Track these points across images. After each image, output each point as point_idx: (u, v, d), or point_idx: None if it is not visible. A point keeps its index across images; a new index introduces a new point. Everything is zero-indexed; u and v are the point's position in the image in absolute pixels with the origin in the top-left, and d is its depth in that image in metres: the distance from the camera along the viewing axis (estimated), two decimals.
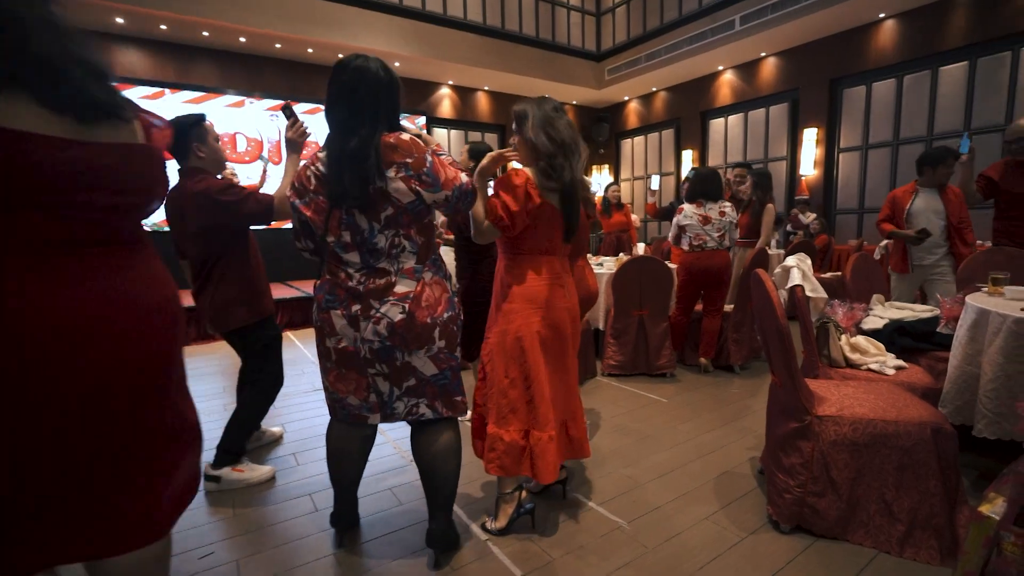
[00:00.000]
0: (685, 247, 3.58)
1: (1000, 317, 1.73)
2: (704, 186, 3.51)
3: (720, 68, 9.05)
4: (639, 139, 10.97)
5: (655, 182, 5.52)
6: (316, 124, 7.76)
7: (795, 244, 6.07)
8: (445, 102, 9.58)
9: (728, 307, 3.67)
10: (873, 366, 2.02)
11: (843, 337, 2.14)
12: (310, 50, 7.67)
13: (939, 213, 3.39)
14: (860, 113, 7.53)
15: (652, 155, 10.70)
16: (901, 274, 3.55)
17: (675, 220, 3.67)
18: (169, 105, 7.02)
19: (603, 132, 11.21)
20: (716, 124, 9.46)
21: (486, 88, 9.98)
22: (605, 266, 4.09)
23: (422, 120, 9.08)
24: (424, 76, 9.07)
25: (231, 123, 7.39)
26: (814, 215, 7.58)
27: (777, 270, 2.18)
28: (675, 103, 10.03)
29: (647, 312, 3.45)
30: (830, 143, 7.88)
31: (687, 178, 4.35)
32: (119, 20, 6.47)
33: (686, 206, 3.59)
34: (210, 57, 7.39)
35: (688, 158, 9.78)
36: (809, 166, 7.99)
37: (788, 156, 8.40)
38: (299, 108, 7.75)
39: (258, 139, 7.61)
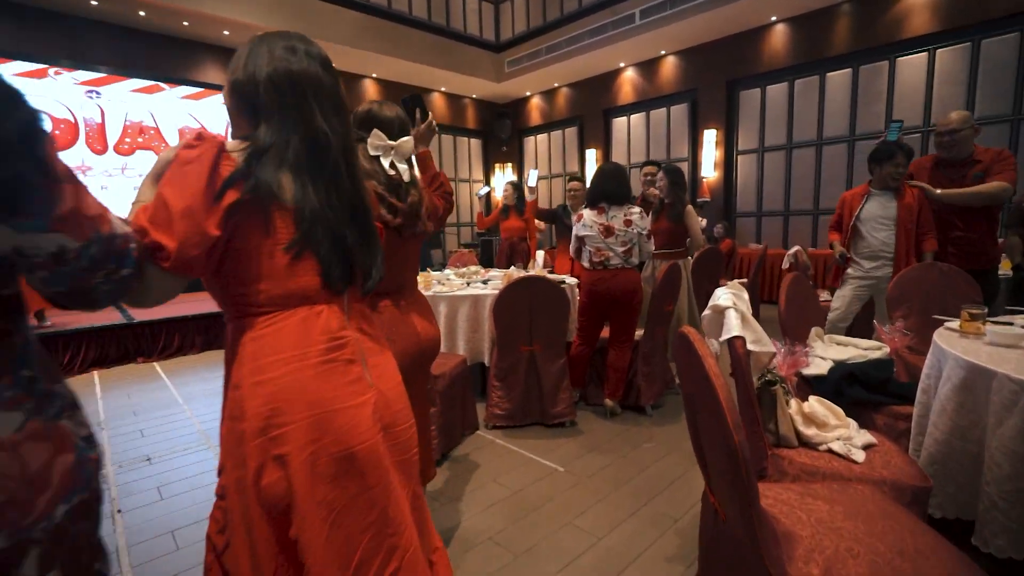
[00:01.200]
0: (586, 263, 2.95)
1: (1015, 385, 1.18)
2: (606, 186, 2.88)
3: (622, 65, 8.73)
4: (542, 137, 10.47)
5: (533, 178, 4.92)
6: (161, 102, 6.43)
7: (702, 251, 5.73)
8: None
9: (638, 336, 3.08)
10: (836, 447, 1.43)
11: (792, 403, 1.54)
12: (142, 13, 6.20)
13: (888, 220, 2.95)
14: (756, 115, 7.49)
15: (556, 153, 10.24)
16: (839, 290, 3.17)
17: (574, 229, 3.03)
18: None
19: (505, 129, 10.57)
20: (619, 123, 9.16)
21: (374, 76, 8.92)
22: (491, 284, 3.34)
23: None
24: None
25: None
26: (703, 219, 7.45)
27: (707, 312, 1.54)
28: (578, 100, 9.62)
29: (539, 347, 2.75)
30: (729, 145, 7.80)
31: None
32: None
33: (586, 212, 2.97)
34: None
35: (592, 157, 9.40)
36: (710, 168, 7.87)
37: (689, 157, 8.25)
38: (130, 85, 6.30)
39: (71, 120, 6.01)
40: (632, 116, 8.93)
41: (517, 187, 4.85)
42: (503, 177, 11.01)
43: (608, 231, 2.86)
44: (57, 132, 5.91)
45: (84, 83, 6.03)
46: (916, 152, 5.32)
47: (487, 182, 11.17)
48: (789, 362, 1.79)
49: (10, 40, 5.76)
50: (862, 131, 6.55)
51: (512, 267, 4.45)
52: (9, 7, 5.74)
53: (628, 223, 2.88)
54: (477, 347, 3.19)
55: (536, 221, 9.12)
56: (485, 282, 3.60)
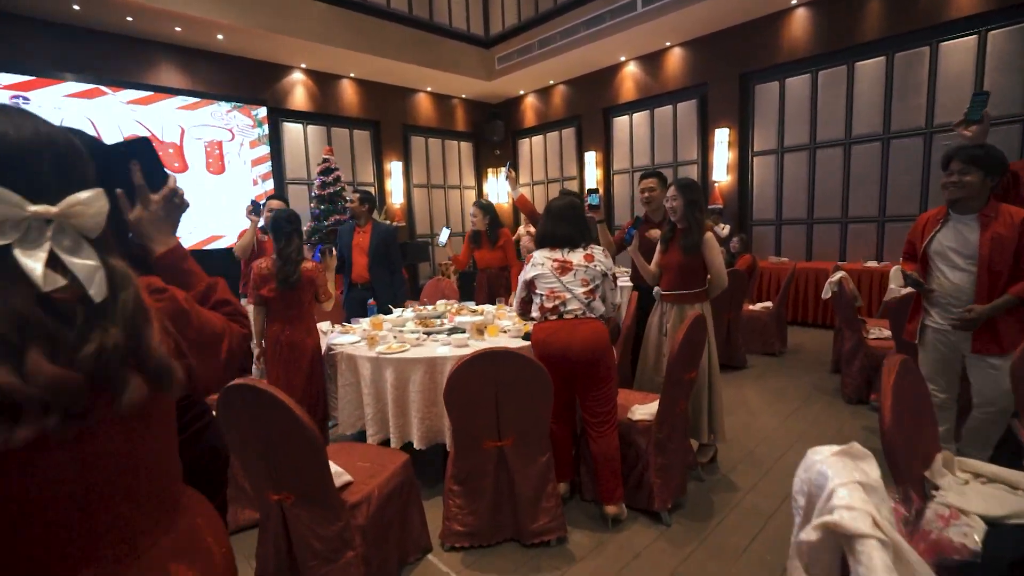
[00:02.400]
0: (535, 314, 2.26)
1: None
2: (557, 229, 2.28)
3: (623, 59, 7.94)
4: (538, 139, 9.68)
5: (444, 236, 4.15)
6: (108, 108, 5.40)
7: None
8: (298, 90, 7.65)
9: (642, 413, 2.29)
10: None
11: None
12: (76, 7, 5.46)
13: (966, 256, 2.12)
14: (774, 112, 6.68)
15: (552, 156, 9.45)
16: (919, 347, 2.36)
17: (521, 276, 2.32)
18: None
19: (498, 131, 9.80)
20: (620, 122, 8.37)
21: (352, 75, 8.17)
22: (456, 340, 2.57)
23: (262, 111, 7.09)
24: (264, 55, 7.09)
25: None
26: (727, 226, 6.65)
27: (810, 536, 0.76)
28: (575, 98, 8.83)
29: (510, 442, 1.97)
30: (743, 145, 7.00)
31: (589, 204, 2.97)
32: None
33: (536, 252, 2.31)
34: None
35: (591, 160, 8.62)
36: (722, 171, 7.07)
37: (699, 159, 7.45)
38: (64, 89, 5.58)
39: None
40: (635, 115, 8.13)
41: (486, 209, 4.02)
42: (496, 183, 10.24)
43: (564, 268, 2.19)
44: None
45: (8, 87, 5.30)
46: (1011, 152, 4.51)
47: (479, 188, 10.40)
48: (925, 543, 1.00)
49: None
50: (899, 128, 5.73)
51: (494, 304, 3.68)
52: None
53: (590, 258, 2.22)
54: (435, 425, 2.42)
55: (528, 230, 8.37)
56: (451, 331, 2.82)
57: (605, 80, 8.29)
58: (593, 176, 8.62)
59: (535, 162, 9.79)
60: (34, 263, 0.60)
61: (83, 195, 0.66)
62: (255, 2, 6.21)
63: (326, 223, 7.30)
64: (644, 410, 2.30)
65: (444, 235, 3.86)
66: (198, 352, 0.82)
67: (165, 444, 0.79)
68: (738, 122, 6.92)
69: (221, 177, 6.69)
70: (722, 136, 7.00)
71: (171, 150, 6.31)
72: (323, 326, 3.60)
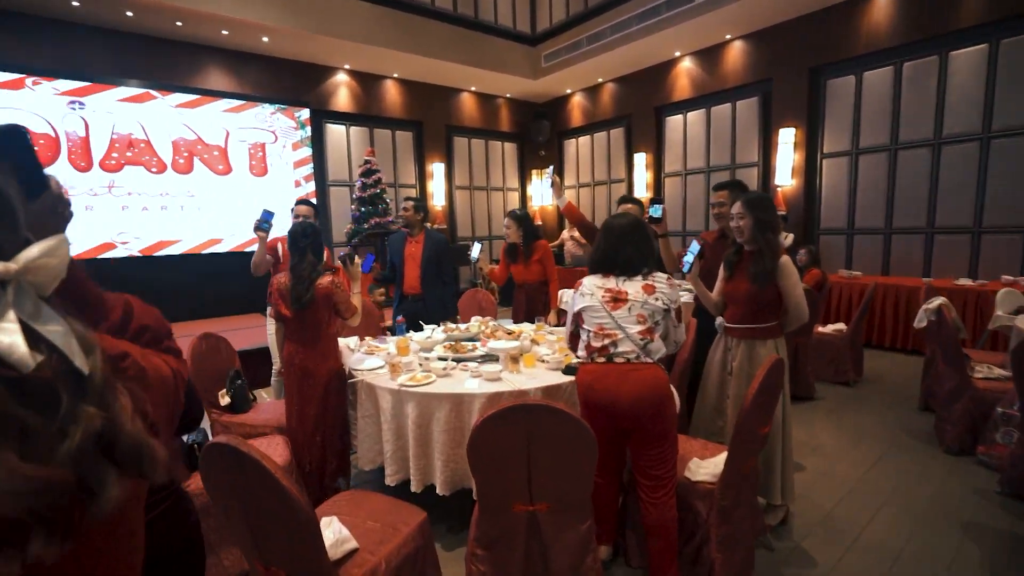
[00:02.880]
0: (581, 353, 1.92)
1: None
2: (621, 251, 1.89)
3: (677, 54, 7.44)
4: (584, 139, 9.29)
5: (476, 250, 3.81)
6: (159, 111, 5.54)
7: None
8: (342, 91, 7.59)
9: (704, 473, 1.93)
10: None
11: None
12: (129, 13, 5.54)
13: None
14: (847, 109, 6.04)
15: (600, 157, 9.04)
16: None
17: (570, 304, 2.00)
18: None
19: (543, 131, 9.47)
20: (673, 122, 7.86)
21: (395, 75, 8.05)
22: (487, 371, 2.28)
23: (305, 113, 7.06)
24: (308, 57, 7.05)
25: (2, 112, 5.19)
26: (790, 235, 6.07)
27: None
28: (625, 97, 8.38)
29: (545, 507, 1.66)
30: (811, 146, 6.38)
31: (650, 218, 2.58)
32: None
33: (587, 278, 1.96)
34: None
35: (641, 161, 8.15)
36: (786, 175, 6.48)
37: (760, 162, 6.87)
38: (117, 93, 5.67)
39: (51, 134, 5.43)
40: (689, 114, 7.62)
41: (520, 220, 3.63)
42: (540, 185, 9.92)
43: (617, 300, 1.84)
44: (36, 148, 5.32)
45: (66, 93, 5.44)
46: None
47: (522, 190, 10.11)
48: None
49: (4, 51, 5.23)
50: (1004, 126, 5.02)
51: (533, 323, 3.38)
52: (10, 17, 5.21)
53: (650, 290, 1.84)
54: (460, 468, 2.14)
55: (572, 234, 8.02)
56: (483, 359, 2.54)
57: (658, 77, 7.81)
58: (643, 178, 8.16)
59: (581, 164, 9.40)
60: (9, 338, 0.46)
61: (47, 244, 0.50)
62: (300, 4, 6.15)
63: (366, 225, 7.21)
64: (706, 469, 1.93)
65: (476, 249, 3.57)
66: (157, 416, 0.65)
67: (129, 551, 0.60)
68: (806, 121, 6.31)
69: (264, 179, 6.69)
70: (787, 136, 6.41)
71: (216, 152, 6.35)
72: (350, 342, 3.40)
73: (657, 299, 1.84)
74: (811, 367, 4.03)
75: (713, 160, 7.39)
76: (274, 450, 2.30)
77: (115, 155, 5.70)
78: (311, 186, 7.14)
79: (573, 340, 2.02)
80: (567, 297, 3.92)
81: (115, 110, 5.69)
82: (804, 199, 6.43)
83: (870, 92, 5.85)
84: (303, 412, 2.46)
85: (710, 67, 7.18)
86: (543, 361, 2.48)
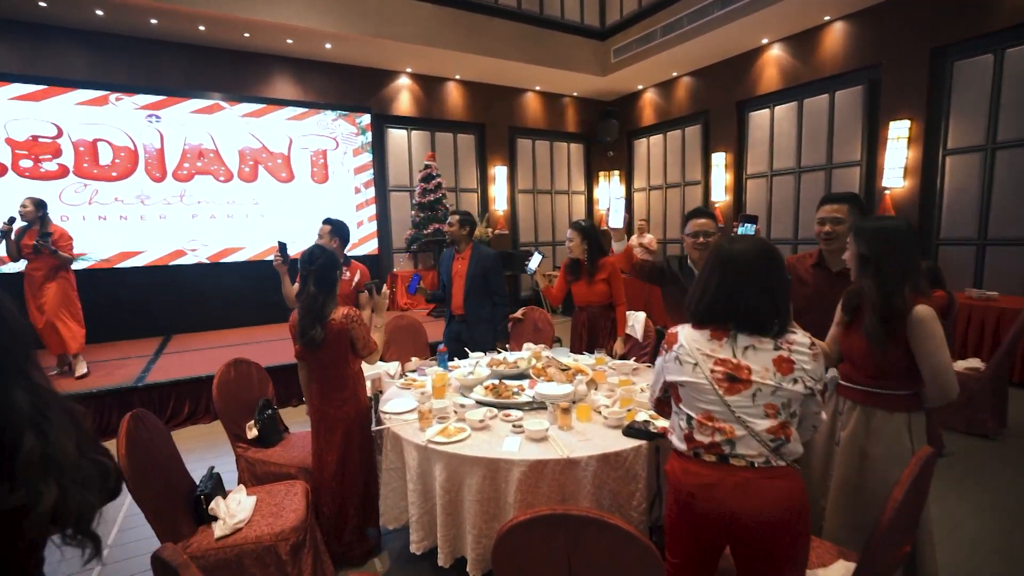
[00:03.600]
0: (678, 443, 1.38)
1: None
2: (736, 291, 1.32)
3: (765, 41, 6.66)
4: (656, 138, 8.64)
5: (535, 262, 3.30)
6: (213, 122, 5.88)
7: None
8: (403, 95, 7.48)
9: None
10: None
11: None
12: (202, 28, 5.68)
13: None
14: (983, 96, 5.06)
15: (673, 158, 8.36)
16: None
17: (658, 363, 1.49)
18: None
19: (611, 131, 8.91)
20: (758, 118, 7.07)
21: (457, 77, 7.84)
22: (531, 423, 1.90)
23: (366, 119, 7.00)
24: (369, 62, 6.99)
25: (88, 127, 5.46)
26: None
27: None
28: (703, 91, 7.67)
29: None
30: (931, 141, 5.43)
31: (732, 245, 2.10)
32: None
33: (684, 331, 1.40)
34: (54, 38, 5.43)
35: (720, 162, 7.42)
36: (896, 175, 5.56)
37: (863, 161, 5.98)
38: (190, 106, 5.83)
39: (131, 147, 5.66)
40: (777, 107, 6.81)
41: (585, 232, 3.15)
42: (607, 188, 9.37)
43: (736, 380, 1.28)
44: (117, 161, 5.58)
45: (144, 107, 5.66)
46: None
47: (589, 193, 9.60)
48: None
49: (81, 68, 5.52)
50: None
51: (593, 353, 2.94)
52: (82, 35, 5.50)
53: (785, 366, 1.28)
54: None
55: (641, 241, 7.42)
56: (529, 405, 2.16)
57: (741, 68, 7.05)
58: (721, 180, 7.42)
59: (653, 165, 8.76)
60: None
61: None
62: (362, 9, 6.06)
63: (425, 232, 7.06)
64: None
65: (535, 261, 3.17)
66: None
67: None
68: (925, 111, 5.38)
69: (324, 186, 6.70)
70: (899, 130, 5.50)
71: (280, 160, 6.41)
72: (390, 367, 3.14)
73: (796, 380, 1.27)
74: (937, 414, 3.28)
75: (805, 159, 6.54)
76: (290, 501, 2.05)
77: (186, 165, 5.88)
78: (370, 192, 7.08)
79: (661, 407, 1.54)
80: (634, 323, 3.45)
81: (187, 122, 5.86)
82: (919, 203, 5.49)
83: (1014, 74, 4.85)
84: (323, 459, 2.19)
85: (803, 54, 6.35)
86: (601, 413, 2.05)
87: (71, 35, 5.47)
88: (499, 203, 8.40)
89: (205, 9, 5.30)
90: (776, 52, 6.64)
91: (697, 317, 1.38)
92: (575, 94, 8.94)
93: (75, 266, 5.40)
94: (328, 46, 6.36)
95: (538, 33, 7.36)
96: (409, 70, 7.41)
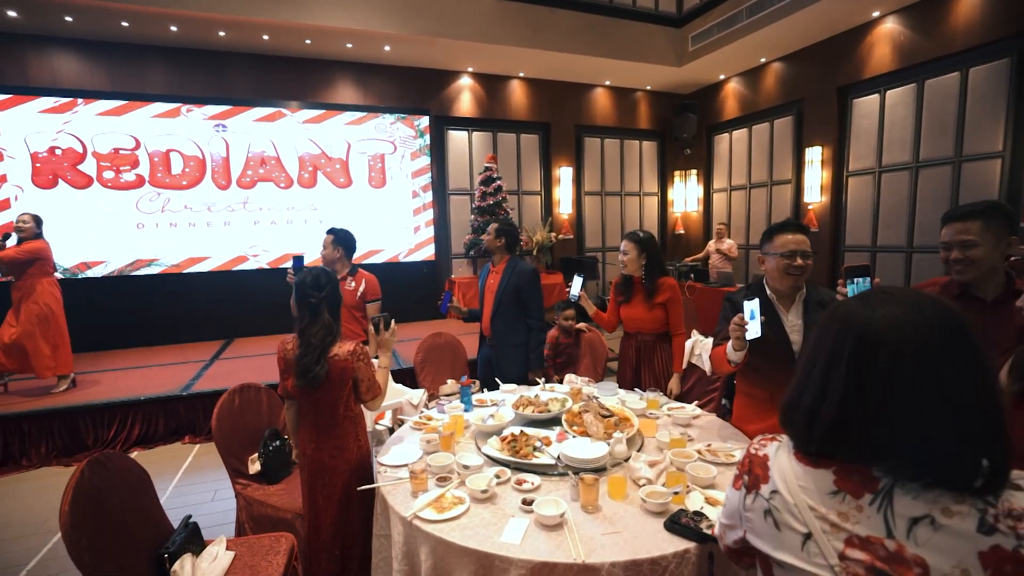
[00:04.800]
0: None
1: None
2: (885, 398, 0.70)
3: (876, 15, 5.68)
4: (740, 133, 7.76)
5: (577, 286, 2.72)
6: (268, 129, 5.96)
7: None
8: (465, 96, 7.25)
9: None
10: None
11: None
12: (266, 37, 5.76)
13: None
14: None
15: (759, 154, 7.46)
16: None
17: (732, 499, 0.88)
18: (84, 122, 5.48)
19: (689, 126, 8.14)
20: (864, 105, 6.07)
21: (521, 75, 7.49)
22: (546, 495, 1.47)
23: (424, 121, 6.83)
24: (430, 63, 6.82)
25: (162, 139, 5.71)
26: None
27: None
28: (796, 77, 6.74)
29: None
30: None
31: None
32: None
33: (780, 463, 0.79)
34: (134, 55, 5.72)
35: (816, 156, 6.47)
36: None
37: (1006, 152, 4.88)
38: (253, 114, 5.93)
39: (199, 156, 5.86)
40: (888, 91, 5.79)
41: (643, 245, 2.64)
42: (683, 189, 8.60)
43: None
44: (187, 170, 5.80)
45: (212, 117, 5.83)
46: None
47: (663, 195, 8.87)
48: None
49: (158, 82, 5.80)
50: None
51: (643, 392, 2.43)
52: (158, 51, 5.77)
53: (1011, 569, 0.63)
54: None
55: (719, 247, 6.65)
56: (553, 469, 1.72)
57: (843, 48, 6.08)
58: (817, 178, 6.47)
59: (735, 163, 7.89)
60: None
61: None
62: (419, 9, 5.89)
63: (483, 237, 6.77)
64: None
65: (576, 285, 2.71)
66: None
67: None
68: None
69: (382, 191, 6.61)
70: None
71: (338, 166, 6.39)
72: (414, 396, 2.82)
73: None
74: None
75: (925, 152, 5.49)
76: (268, 563, 1.77)
77: (250, 172, 6.00)
78: (428, 196, 6.90)
79: (737, 557, 0.94)
80: (702, 351, 2.89)
81: (251, 130, 5.98)
82: None
83: None
84: (318, 520, 1.88)
85: (925, 27, 5.32)
86: (640, 490, 1.57)
87: (149, 52, 5.74)
88: (564, 206, 7.94)
89: (268, 18, 5.34)
90: (890, 26, 5.63)
91: (807, 445, 0.78)
92: (648, 88, 8.27)
93: (147, 271, 5.67)
94: (387, 48, 6.25)
95: (607, 23, 6.82)
96: (470, 69, 7.16)
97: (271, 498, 2.22)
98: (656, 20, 7.16)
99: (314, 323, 1.83)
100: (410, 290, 6.69)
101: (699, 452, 1.82)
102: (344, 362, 1.84)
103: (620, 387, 2.60)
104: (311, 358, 1.80)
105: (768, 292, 1.93)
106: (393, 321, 2.07)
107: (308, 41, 5.94)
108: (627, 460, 1.77)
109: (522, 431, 1.97)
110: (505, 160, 7.58)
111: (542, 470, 1.76)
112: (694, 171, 8.50)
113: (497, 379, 2.78)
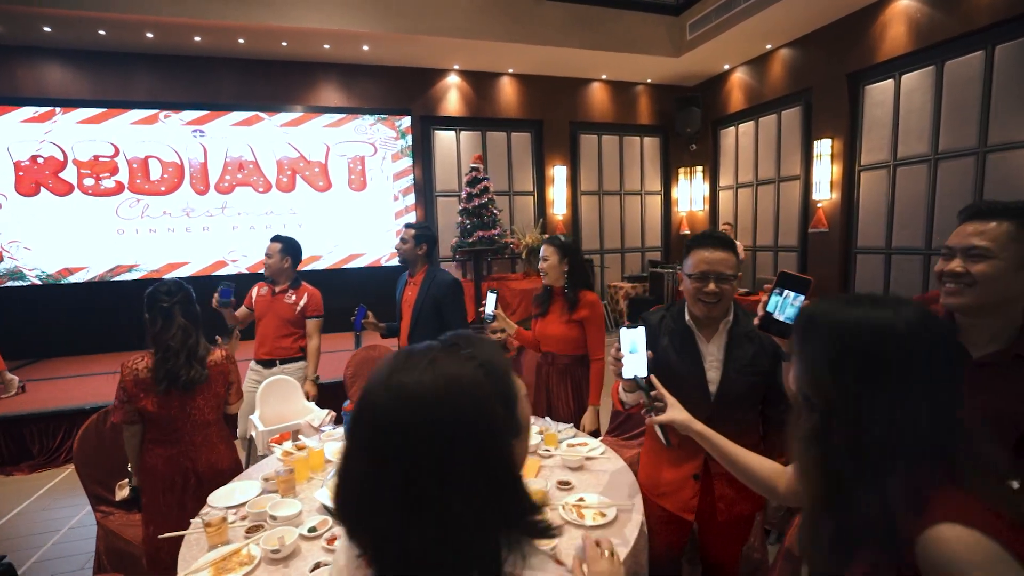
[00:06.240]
0: None
1: None
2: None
3: None
4: (746, 126, 7.26)
5: (491, 304, 2.39)
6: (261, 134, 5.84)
7: None
8: (452, 95, 7.04)
9: None
10: None
11: None
12: (241, 41, 5.70)
13: None
14: None
15: (767, 148, 6.95)
16: None
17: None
18: (64, 130, 5.54)
19: (692, 120, 7.67)
20: (877, 92, 5.52)
21: (511, 71, 7.21)
22: None
23: (405, 122, 6.64)
24: (413, 61, 6.63)
25: (141, 145, 5.73)
26: None
27: None
28: (803, 64, 6.22)
29: None
30: None
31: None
32: None
33: None
34: (116, 63, 5.75)
35: (824, 150, 5.94)
36: None
37: None
38: (231, 119, 5.88)
39: (178, 162, 5.85)
40: (904, 75, 5.23)
41: (564, 250, 2.33)
42: (688, 187, 8.14)
43: None
44: (165, 176, 5.80)
45: (190, 123, 5.82)
46: None
47: (666, 194, 8.42)
48: None
49: (136, 89, 5.82)
50: None
51: (553, 425, 2.13)
52: (136, 58, 5.79)
53: None
54: None
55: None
56: None
57: (854, 30, 5.55)
58: (826, 174, 5.94)
59: (742, 158, 7.39)
60: None
61: None
62: (395, 6, 5.70)
63: (469, 240, 6.54)
64: None
65: (491, 302, 2.42)
66: None
67: None
68: None
69: (362, 194, 6.46)
70: None
71: (316, 169, 6.28)
72: (315, 416, 2.61)
73: None
74: None
75: (945, 142, 4.92)
76: None
77: (228, 177, 5.96)
78: (410, 199, 6.72)
79: None
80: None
81: (229, 135, 5.94)
82: None
83: None
84: (159, 554, 1.71)
85: (947, 2, 4.76)
86: None
87: (130, 59, 5.76)
88: (558, 207, 7.62)
89: (241, 22, 5.27)
90: (905, 2, 5.08)
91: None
92: (648, 81, 7.85)
93: (127, 276, 5.68)
94: (365, 48, 6.10)
95: (597, 14, 6.47)
96: (456, 67, 6.94)
97: (127, 530, 2.04)
98: (650, 8, 6.75)
99: (168, 328, 1.82)
100: (390, 295, 6.49)
101: (565, 507, 1.52)
102: (221, 366, 1.94)
103: (533, 413, 2.30)
104: (175, 362, 1.79)
105: (687, 318, 1.60)
106: (238, 331, 2.06)
107: (284, 43, 5.85)
108: None
109: None
110: (495, 160, 7.33)
111: None
112: (700, 168, 8.02)
113: None
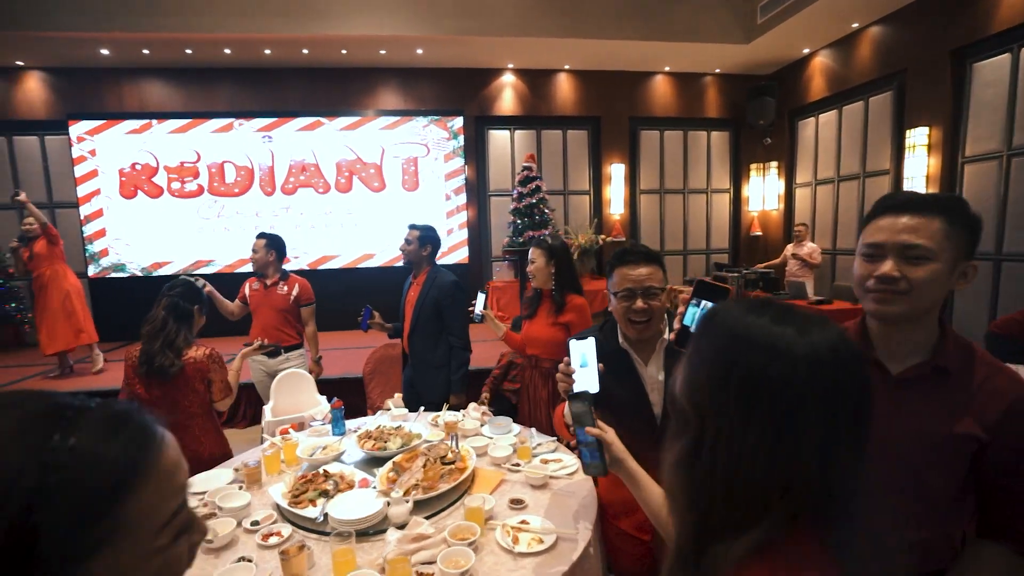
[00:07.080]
0: None
1: None
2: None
3: None
4: (828, 116, 6.54)
5: (480, 303, 2.26)
6: (331, 138, 6.55)
7: None
8: (507, 93, 7.01)
9: None
10: None
11: None
12: (305, 51, 6.05)
13: None
14: None
15: (851, 140, 6.21)
16: None
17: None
18: (157, 140, 6.20)
19: (766, 112, 7.04)
20: (987, 70, 4.73)
21: (567, 67, 7.05)
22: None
23: (457, 122, 6.70)
24: (467, 62, 6.68)
25: (218, 150, 6.26)
26: None
27: None
28: (897, 43, 5.48)
29: None
30: None
31: None
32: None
33: None
34: (202, 78, 6.34)
35: (920, 139, 5.19)
36: None
37: None
38: (296, 124, 6.28)
39: (249, 166, 6.33)
40: None
41: (554, 252, 2.26)
42: (761, 185, 7.50)
43: None
44: (238, 179, 6.30)
45: (260, 130, 6.26)
46: None
47: (735, 192, 7.82)
48: None
49: (217, 100, 6.39)
50: None
51: (535, 436, 2.01)
52: (216, 72, 6.35)
53: None
54: None
55: (798, 251, 5.67)
56: (313, 529, 1.44)
57: (959, 1, 4.79)
58: (921, 167, 5.19)
59: (823, 152, 6.67)
60: None
61: None
62: (446, 8, 5.77)
63: (520, 239, 6.49)
64: None
65: (480, 302, 2.32)
66: None
67: None
68: None
69: (415, 194, 6.62)
70: None
71: (372, 170, 6.52)
72: (316, 409, 2.66)
73: None
74: None
75: None
76: None
77: (291, 180, 6.35)
78: (461, 199, 6.77)
79: None
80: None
81: (294, 140, 6.32)
82: None
83: None
84: None
85: None
86: None
87: (209, 74, 6.34)
88: (615, 206, 7.34)
89: (305, 33, 5.60)
90: None
91: None
92: (717, 71, 7.32)
93: (205, 270, 6.23)
94: (420, 51, 6.23)
95: (654, 2, 6.13)
96: (511, 65, 6.89)
97: None
98: None
99: (152, 319, 2.02)
100: None
101: (503, 528, 1.40)
102: (199, 363, 2.03)
103: (518, 422, 2.19)
104: (151, 347, 1.96)
105: (620, 340, 1.44)
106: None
107: (344, 51, 6.12)
108: (403, 527, 1.42)
109: (322, 472, 1.69)
110: (550, 158, 7.20)
111: (308, 525, 1.47)
112: (774, 163, 7.36)
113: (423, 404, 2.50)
